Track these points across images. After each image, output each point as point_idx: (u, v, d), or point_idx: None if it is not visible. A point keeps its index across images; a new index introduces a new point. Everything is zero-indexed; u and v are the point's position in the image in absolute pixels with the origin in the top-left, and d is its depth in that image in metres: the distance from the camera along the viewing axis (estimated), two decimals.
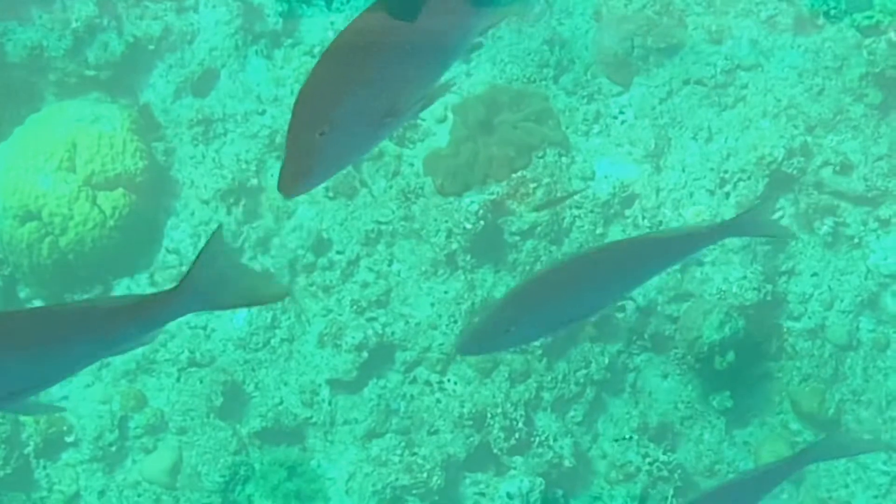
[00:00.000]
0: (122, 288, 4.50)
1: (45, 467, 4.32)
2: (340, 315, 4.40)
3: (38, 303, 4.53)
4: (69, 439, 4.33)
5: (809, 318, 4.42)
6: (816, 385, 4.39)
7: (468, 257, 4.40)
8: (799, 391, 4.39)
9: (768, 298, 4.36)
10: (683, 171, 4.55)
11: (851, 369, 4.40)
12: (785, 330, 4.43)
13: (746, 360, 4.37)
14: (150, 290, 4.51)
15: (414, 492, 4.22)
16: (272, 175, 4.65)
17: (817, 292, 4.44)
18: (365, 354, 4.32)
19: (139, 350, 4.40)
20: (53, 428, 4.29)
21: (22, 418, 4.29)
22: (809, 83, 4.61)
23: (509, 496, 4.18)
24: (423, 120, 4.77)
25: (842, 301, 4.43)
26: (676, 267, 4.39)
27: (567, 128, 4.65)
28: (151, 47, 4.78)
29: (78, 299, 4.27)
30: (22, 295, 4.55)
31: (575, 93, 4.73)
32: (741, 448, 4.42)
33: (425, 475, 4.20)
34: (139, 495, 4.26)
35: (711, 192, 4.49)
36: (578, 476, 4.38)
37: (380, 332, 4.35)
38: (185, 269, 4.49)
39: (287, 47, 4.83)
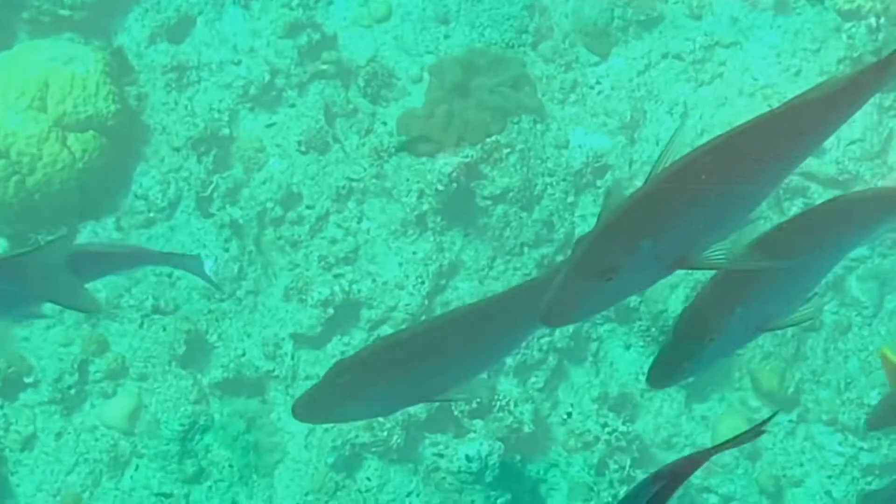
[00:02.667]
0: (88, 231, 4.46)
1: (2, 407, 4.28)
2: (307, 270, 4.39)
3: (1, 241, 4.47)
4: (28, 380, 4.29)
5: None
6: (777, 364, 4.42)
7: (438, 219, 4.38)
8: (759, 369, 4.42)
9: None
10: (657, 144, 4.55)
11: (812, 350, 4.43)
12: None
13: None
14: (115, 235, 4.47)
15: (373, 449, 4.21)
16: (244, 126, 4.62)
17: None
18: (330, 310, 4.31)
19: (102, 293, 4.37)
20: (13, 368, 4.25)
21: None
22: (787, 63, 4.62)
23: (468, 458, 4.18)
24: (399, 79, 4.75)
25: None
26: None
27: (543, 95, 4.64)
28: None
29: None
30: None
31: (553, 61, 4.72)
32: (699, 422, 4.44)
33: (385, 433, 4.20)
34: (96, 439, 4.23)
35: None
36: (537, 442, 4.39)
37: (346, 289, 4.33)
38: (152, 215, 4.47)
39: None
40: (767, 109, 4.45)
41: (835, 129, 2.22)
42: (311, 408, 2.36)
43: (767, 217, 4.47)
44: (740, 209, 2.14)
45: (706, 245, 2.10)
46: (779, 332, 4.41)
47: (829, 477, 4.38)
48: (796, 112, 2.15)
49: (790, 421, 4.42)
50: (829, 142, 4.46)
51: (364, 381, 2.30)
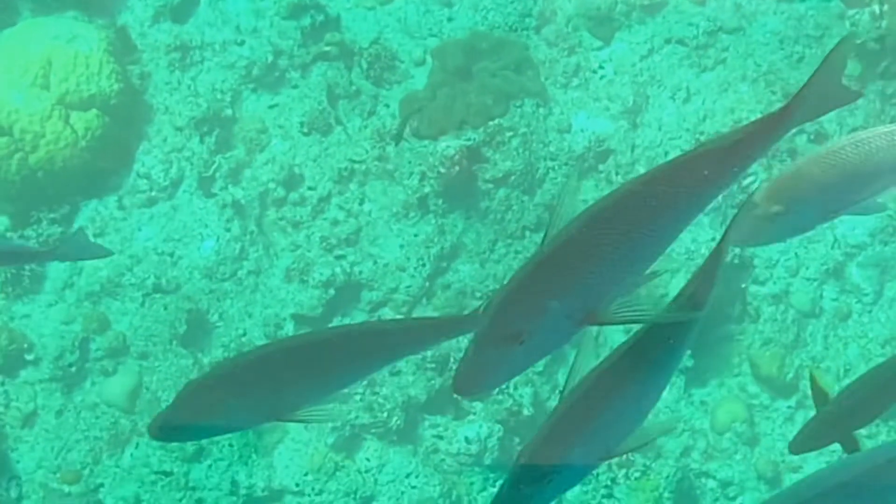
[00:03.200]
0: (90, 209, 4.46)
1: (3, 383, 4.29)
2: (309, 251, 4.39)
3: (2, 219, 4.48)
4: (29, 357, 4.30)
5: (774, 283, 4.45)
6: (777, 350, 4.43)
7: (440, 201, 4.39)
8: (759, 355, 4.43)
9: (735, 261, 4.38)
10: (660, 129, 4.56)
11: (812, 336, 4.44)
12: (749, 293, 4.46)
13: (709, 321, 4.39)
14: (118, 214, 4.48)
15: (373, 430, 4.22)
16: (247, 106, 4.63)
17: (784, 258, 4.46)
18: (331, 291, 4.31)
19: (104, 272, 4.38)
20: (14, 345, 4.25)
21: None
22: (790, 50, 4.62)
23: (467, 440, 4.19)
24: (402, 61, 4.75)
25: (807, 269, 4.46)
26: None
27: (546, 79, 4.65)
28: None
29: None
30: None
31: (556, 45, 4.72)
32: (698, 407, 4.45)
33: (385, 415, 4.21)
34: (97, 417, 4.23)
35: (685, 153, 4.49)
36: (536, 425, 4.39)
37: (347, 270, 4.34)
38: (154, 194, 4.48)
39: None
40: (770, 95, 4.46)
41: (735, 178, 2.21)
42: (165, 428, 2.38)
43: None
44: (644, 260, 2.10)
45: (616, 296, 2.08)
46: (778, 317, 4.43)
47: (828, 463, 4.38)
48: (696, 162, 2.11)
49: (789, 407, 4.42)
50: (832, 130, 4.48)
51: (213, 401, 2.29)
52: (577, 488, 4.28)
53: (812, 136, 4.48)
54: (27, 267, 4.35)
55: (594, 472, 2.16)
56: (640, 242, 2.06)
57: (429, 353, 4.24)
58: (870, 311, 4.46)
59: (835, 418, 2.76)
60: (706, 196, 2.13)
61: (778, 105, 4.44)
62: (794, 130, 4.39)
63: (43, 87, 4.31)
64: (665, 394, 4.34)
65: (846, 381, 4.37)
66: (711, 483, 4.36)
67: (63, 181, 4.36)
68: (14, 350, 4.26)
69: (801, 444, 2.79)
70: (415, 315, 4.31)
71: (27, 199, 4.38)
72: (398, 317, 4.13)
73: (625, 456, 4.25)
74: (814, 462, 4.38)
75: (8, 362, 4.28)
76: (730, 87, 4.61)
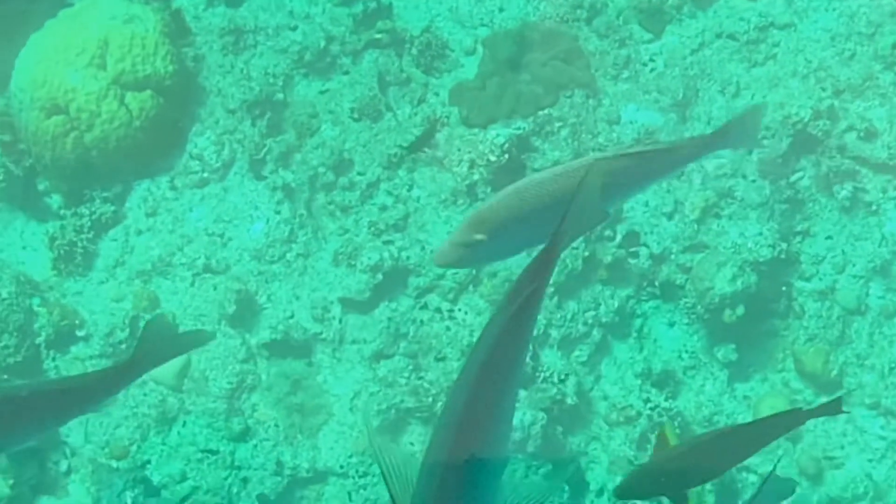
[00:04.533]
0: (143, 190, 4.50)
1: (54, 359, 4.33)
2: (357, 236, 4.42)
3: (56, 197, 4.52)
4: (80, 333, 4.34)
5: (820, 279, 4.44)
6: (821, 346, 4.42)
7: (489, 189, 4.40)
8: (803, 350, 4.42)
9: (782, 256, 4.38)
10: (709, 123, 4.56)
11: (857, 333, 4.43)
12: (795, 289, 4.46)
13: (755, 316, 4.39)
14: (169, 194, 4.51)
15: (417, 415, 4.24)
16: (298, 91, 4.66)
17: (830, 255, 4.46)
18: (379, 276, 4.34)
19: (155, 251, 4.42)
20: (66, 321, 4.30)
21: (35, 308, 4.31)
22: (841, 47, 4.61)
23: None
24: (452, 50, 4.77)
25: (854, 265, 4.45)
26: (693, 217, 4.41)
27: (596, 71, 4.66)
28: None
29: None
30: (41, 187, 4.54)
31: (607, 36, 4.73)
32: (741, 402, 4.45)
33: (430, 399, 4.23)
34: (145, 395, 4.27)
35: (734, 147, 4.49)
36: (579, 415, 4.41)
37: (395, 255, 4.36)
38: (206, 175, 4.52)
39: None
40: (820, 92, 4.45)
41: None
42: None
43: (817, 200, 4.48)
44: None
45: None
46: (824, 314, 4.42)
47: (870, 460, 4.38)
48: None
49: None
50: (882, 126, 4.47)
51: None
52: (618, 479, 4.29)
53: (862, 134, 4.47)
54: (80, 244, 4.40)
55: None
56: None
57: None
58: None
59: (657, 472, 2.78)
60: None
61: (827, 102, 4.46)
62: (843, 126, 4.41)
63: (99, 66, 4.35)
64: (709, 387, 4.38)
65: (891, 380, 4.37)
66: (753, 477, 4.37)
67: (116, 161, 4.40)
68: (66, 326, 4.31)
69: (625, 491, 2.81)
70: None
71: (81, 178, 4.42)
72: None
73: None
74: (857, 459, 4.38)
75: (59, 338, 4.33)
76: (780, 83, 4.60)
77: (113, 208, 4.49)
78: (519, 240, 2.79)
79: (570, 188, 2.62)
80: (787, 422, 2.99)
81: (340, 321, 4.36)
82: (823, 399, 4.41)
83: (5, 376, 4.23)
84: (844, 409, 2.95)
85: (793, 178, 4.50)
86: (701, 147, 2.95)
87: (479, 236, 2.70)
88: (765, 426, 2.96)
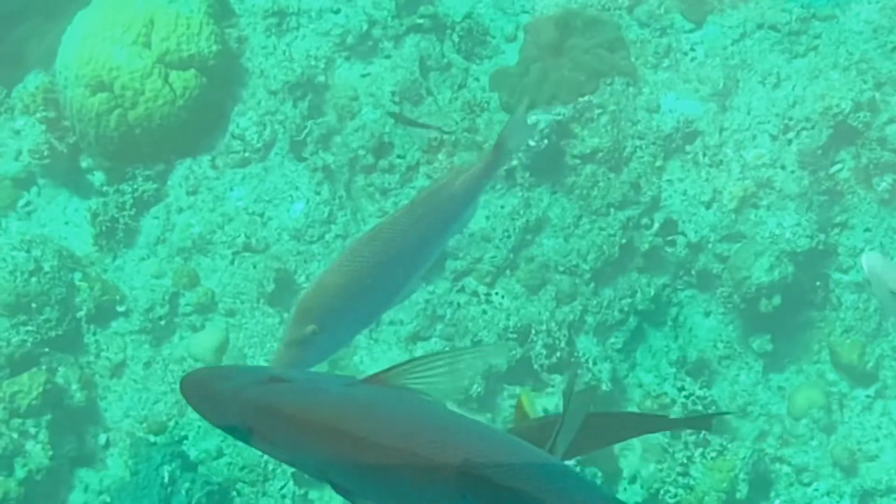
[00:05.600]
0: (184, 168, 4.54)
1: (94, 333, 4.38)
2: None
3: (99, 174, 4.56)
4: (121, 309, 4.39)
5: (858, 272, 4.43)
6: (857, 338, 4.42)
7: (527, 174, 4.42)
8: (839, 342, 4.42)
9: (820, 248, 4.37)
10: (749, 113, 4.56)
11: (894, 326, 4.42)
12: (832, 281, 4.46)
13: (791, 307, 4.39)
14: (211, 173, 4.55)
15: (453, 397, 4.27)
16: (340, 73, 4.69)
17: (868, 248, 4.45)
18: None
19: (196, 229, 4.46)
20: (107, 296, 4.34)
21: (77, 283, 4.35)
22: (884, 40, 4.60)
23: (545, 412, 4.23)
24: (493, 37, 4.79)
25: (893, 258, 4.44)
26: (731, 206, 4.41)
27: (637, 59, 4.66)
28: None
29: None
30: (84, 164, 4.59)
31: (648, 25, 4.73)
32: (775, 392, 4.45)
33: (466, 382, 4.25)
34: (184, 370, 4.31)
35: (774, 138, 4.49)
36: (614, 401, 4.42)
37: None
38: (247, 155, 4.54)
39: None
40: (861, 84, 4.44)
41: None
42: None
43: (855, 192, 4.47)
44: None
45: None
46: (860, 306, 4.42)
47: None
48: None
49: (868, 396, 4.41)
50: None
51: None
52: (651, 466, 4.31)
53: None
54: (121, 221, 4.44)
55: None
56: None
57: (510, 323, 4.28)
58: None
59: None
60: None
61: (868, 94, 4.45)
62: (884, 119, 4.40)
63: (144, 45, 4.39)
64: (743, 377, 4.38)
65: None
66: (786, 468, 4.37)
67: (159, 139, 4.44)
68: (106, 301, 4.35)
69: None
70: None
71: (124, 156, 4.46)
72: None
73: (702, 434, 4.27)
74: (892, 452, 4.37)
75: (100, 313, 4.37)
76: (821, 75, 4.60)
77: (155, 186, 4.53)
78: (359, 318, 2.54)
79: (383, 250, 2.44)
80: (650, 424, 2.81)
81: None
82: (860, 391, 4.41)
83: (46, 349, 4.28)
84: (712, 429, 2.83)
85: (832, 170, 4.49)
86: (483, 170, 2.65)
87: (310, 328, 2.39)
88: (626, 419, 2.76)
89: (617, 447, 4.40)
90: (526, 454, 1.79)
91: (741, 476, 4.26)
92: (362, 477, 1.80)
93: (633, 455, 4.40)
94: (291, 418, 1.80)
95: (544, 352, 4.28)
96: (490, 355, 2.79)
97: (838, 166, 4.50)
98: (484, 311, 4.36)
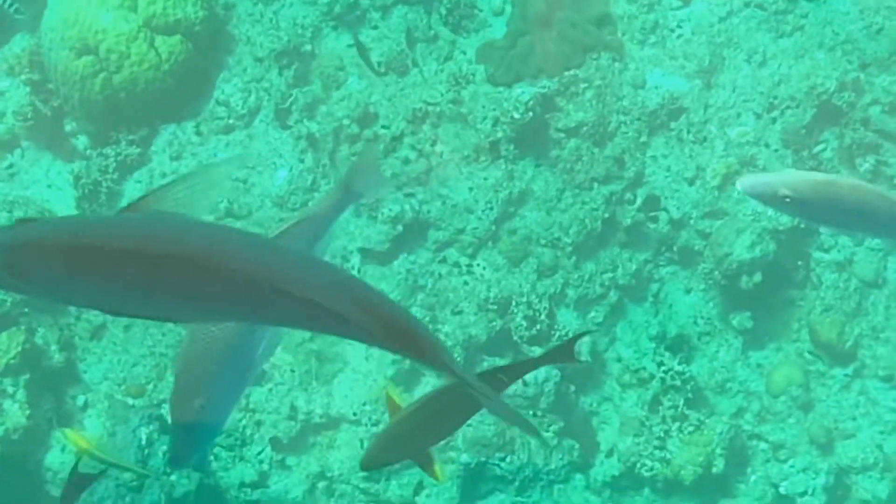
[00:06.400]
0: (169, 134, 4.53)
1: None
2: None
3: (83, 138, 4.56)
4: None
5: (839, 251, 4.45)
6: (837, 317, 4.43)
7: (511, 147, 4.42)
8: (819, 321, 4.43)
9: (801, 226, 4.38)
10: (734, 91, 4.56)
11: (874, 306, 4.44)
12: (813, 260, 4.47)
13: (772, 285, 4.40)
14: (195, 139, 4.54)
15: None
16: (326, 43, 4.68)
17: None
18: (399, 228, 4.36)
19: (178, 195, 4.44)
20: None
21: None
22: (870, 21, 4.61)
23: (525, 383, 4.24)
24: (481, 10, 4.78)
25: (873, 239, 4.45)
26: (714, 183, 4.42)
27: (624, 35, 4.67)
28: None
29: None
30: (68, 128, 4.58)
31: (636, 1, 4.73)
32: (754, 370, 4.46)
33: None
34: (163, 335, 4.31)
35: (758, 116, 4.50)
36: (592, 375, 4.44)
37: (416, 208, 4.39)
38: (232, 122, 4.54)
39: None
40: (846, 64, 4.45)
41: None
42: None
43: (839, 171, 4.48)
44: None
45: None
46: (841, 285, 4.43)
47: (882, 432, 4.39)
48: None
49: (846, 375, 4.43)
50: None
51: None
52: (629, 440, 4.32)
53: (886, 108, 4.47)
54: (104, 184, 4.44)
55: None
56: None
57: (491, 294, 4.29)
58: None
59: (395, 437, 2.63)
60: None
61: (853, 74, 4.46)
62: (868, 100, 4.40)
63: (131, 9, 4.38)
64: (723, 353, 4.39)
65: None
66: (763, 445, 4.39)
67: (144, 103, 4.44)
68: None
69: (371, 460, 2.68)
70: None
71: (108, 120, 4.46)
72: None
73: (680, 409, 4.28)
74: (868, 431, 4.39)
75: None
76: (806, 54, 4.60)
77: (138, 151, 4.53)
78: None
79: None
80: (516, 371, 2.77)
81: (359, 271, 4.39)
82: (838, 370, 4.43)
83: (25, 309, 4.28)
84: (579, 358, 2.77)
85: (815, 149, 4.50)
86: (329, 210, 2.75)
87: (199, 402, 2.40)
88: (485, 379, 2.71)
89: (594, 421, 4.42)
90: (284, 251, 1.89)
91: (717, 451, 4.28)
92: (132, 291, 1.80)
93: (610, 429, 4.42)
94: (54, 248, 1.80)
95: (524, 324, 4.29)
96: (232, 166, 2.81)
97: (822, 146, 4.51)
98: (465, 282, 4.36)
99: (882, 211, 2.95)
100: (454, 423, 2.65)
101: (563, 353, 2.57)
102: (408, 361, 4.25)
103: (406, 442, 2.62)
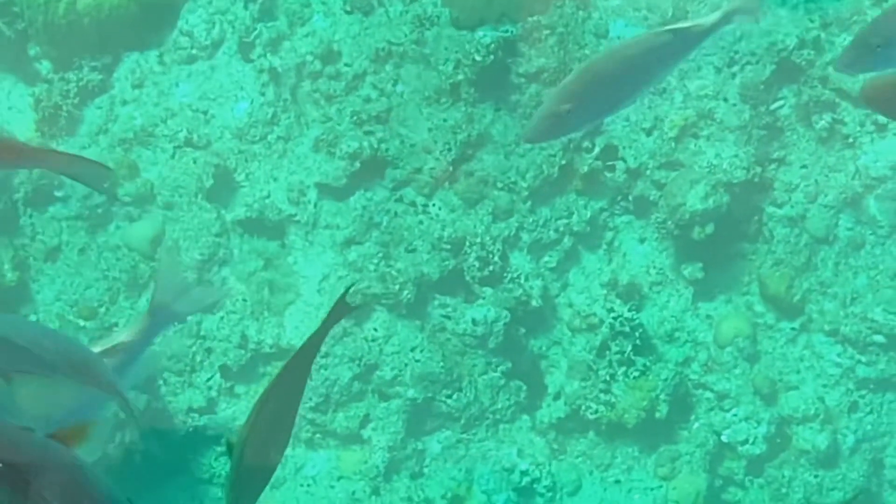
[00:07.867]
0: (131, 62, 4.55)
1: (31, 216, 4.40)
2: (339, 125, 4.47)
3: (46, 63, 4.57)
4: (59, 194, 4.41)
5: (792, 207, 4.49)
6: (787, 270, 4.49)
7: (472, 90, 4.45)
8: (769, 274, 4.49)
9: (755, 181, 4.43)
10: None
11: (823, 262, 4.49)
12: (766, 214, 4.52)
13: (724, 237, 4.46)
14: (157, 69, 4.56)
15: (384, 301, 4.32)
16: None
17: (804, 184, 4.51)
18: (357, 164, 4.40)
19: (138, 121, 4.48)
20: (45, 180, 4.36)
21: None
22: None
23: (474, 322, 4.29)
24: None
25: (826, 196, 4.50)
26: (671, 134, 4.46)
27: None
28: None
29: None
30: (31, 53, 4.59)
31: None
32: (703, 320, 4.52)
33: (397, 287, 4.30)
34: (118, 259, 4.35)
35: (718, 70, 4.53)
36: (543, 318, 4.49)
37: (375, 146, 4.42)
38: (195, 52, 4.56)
39: None
40: (808, 22, 4.48)
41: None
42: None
43: (795, 128, 4.53)
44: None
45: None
46: (792, 240, 4.48)
47: (825, 386, 4.46)
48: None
49: (793, 328, 4.49)
50: None
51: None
52: (576, 383, 4.38)
53: None
54: (65, 108, 4.46)
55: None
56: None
57: (445, 234, 4.33)
58: (883, 244, 4.50)
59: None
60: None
61: (814, 32, 4.50)
62: (828, 59, 4.43)
63: None
64: (673, 303, 4.45)
65: (852, 309, 4.44)
66: (708, 394, 4.45)
67: (108, 31, 4.45)
68: (44, 185, 4.37)
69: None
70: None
71: (71, 45, 4.47)
72: None
73: (626, 354, 4.34)
74: (812, 384, 4.46)
75: (38, 197, 4.40)
76: (769, 11, 4.63)
77: (100, 77, 4.55)
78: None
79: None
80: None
81: (315, 205, 4.43)
82: (785, 323, 4.49)
83: None
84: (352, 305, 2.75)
85: (773, 106, 4.55)
86: (138, 339, 2.84)
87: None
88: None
89: (543, 364, 4.48)
90: None
91: (662, 397, 4.35)
92: None
93: (558, 372, 4.48)
94: None
95: (476, 264, 4.34)
96: None
97: (780, 102, 4.55)
98: (420, 222, 4.40)
99: None
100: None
101: (339, 310, 2.59)
102: (359, 296, 4.29)
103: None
